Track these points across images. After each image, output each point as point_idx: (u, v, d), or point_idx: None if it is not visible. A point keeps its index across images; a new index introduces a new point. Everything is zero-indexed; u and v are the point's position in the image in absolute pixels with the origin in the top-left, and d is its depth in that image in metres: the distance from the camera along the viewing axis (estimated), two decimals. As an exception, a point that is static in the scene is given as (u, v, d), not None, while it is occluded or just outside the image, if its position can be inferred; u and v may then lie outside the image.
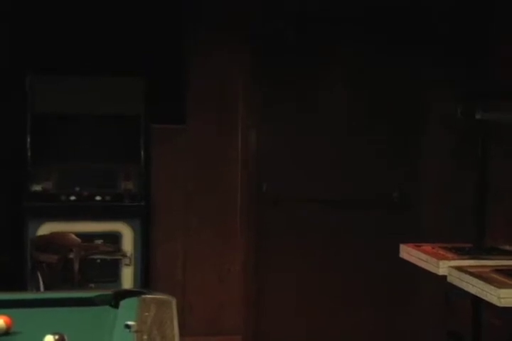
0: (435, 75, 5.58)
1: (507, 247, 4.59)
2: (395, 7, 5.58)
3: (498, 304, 3.55)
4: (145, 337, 2.49)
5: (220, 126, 5.51)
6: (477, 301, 4.23)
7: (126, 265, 5.50)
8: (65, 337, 2.47)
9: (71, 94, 5.51)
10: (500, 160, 4.89)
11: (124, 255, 5.47)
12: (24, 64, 5.46)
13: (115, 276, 5.45)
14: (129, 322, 2.58)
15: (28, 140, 5.48)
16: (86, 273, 4.94)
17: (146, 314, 2.79)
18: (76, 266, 5.06)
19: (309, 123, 5.78)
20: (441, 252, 4.45)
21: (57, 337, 2.46)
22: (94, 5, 5.46)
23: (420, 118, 5.71)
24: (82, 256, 5.10)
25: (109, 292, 3.19)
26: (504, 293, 3.55)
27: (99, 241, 5.41)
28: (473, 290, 3.85)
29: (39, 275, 5.06)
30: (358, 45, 5.71)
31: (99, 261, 5.37)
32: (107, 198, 5.51)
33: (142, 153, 5.55)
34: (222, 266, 5.61)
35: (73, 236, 5.17)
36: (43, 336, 2.49)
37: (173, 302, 3.01)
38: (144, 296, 3.08)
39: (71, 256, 5.08)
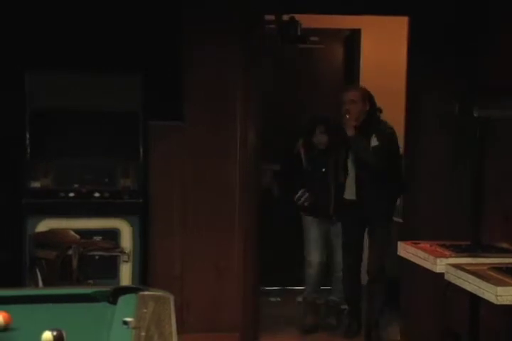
0: (431, 74, 5.58)
1: (504, 245, 4.59)
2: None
3: (496, 302, 3.55)
4: (143, 333, 2.50)
5: (217, 123, 5.50)
6: (474, 299, 4.25)
7: (125, 261, 5.50)
8: (63, 334, 2.49)
9: (70, 90, 5.50)
10: (497, 158, 4.89)
11: (123, 251, 5.47)
12: (23, 61, 5.46)
13: (114, 273, 5.46)
14: (127, 319, 2.60)
15: (27, 136, 5.48)
16: (84, 270, 4.94)
17: (144, 310, 2.80)
18: (75, 263, 5.07)
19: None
20: (439, 250, 4.45)
21: (55, 333, 2.48)
22: (93, 2, 5.46)
23: (416, 117, 5.71)
24: (81, 253, 5.10)
25: (107, 288, 3.21)
26: (501, 290, 3.55)
27: (97, 238, 5.40)
28: (470, 288, 3.85)
29: (37, 271, 5.07)
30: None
31: (97, 257, 5.35)
32: (106, 195, 5.52)
33: (141, 150, 5.56)
34: (219, 263, 5.62)
35: (72, 232, 5.19)
36: (42, 332, 2.50)
37: (171, 298, 3.02)
38: (142, 293, 3.09)
39: (70, 252, 5.09)
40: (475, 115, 4.07)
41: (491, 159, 4.89)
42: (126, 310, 2.78)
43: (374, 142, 5.52)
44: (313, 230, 6.07)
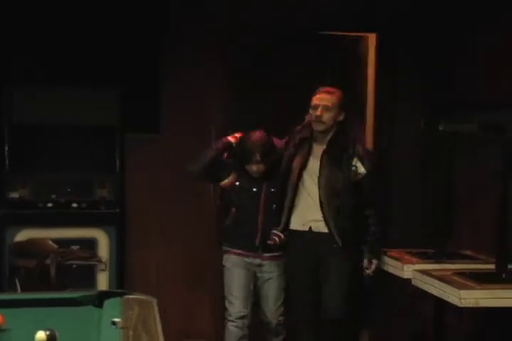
0: (401, 86, 5.77)
1: (468, 252, 4.83)
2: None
3: (459, 304, 3.77)
4: (131, 332, 2.67)
5: (194, 135, 5.61)
6: (439, 303, 4.46)
7: (102, 270, 5.63)
8: (56, 333, 2.64)
9: (48, 104, 5.62)
10: (464, 170, 5.11)
11: (100, 261, 5.60)
12: (1, 74, 5.58)
13: (91, 281, 5.57)
14: (115, 319, 2.76)
15: (6, 149, 5.61)
16: (62, 278, 5.03)
17: (130, 312, 2.97)
18: (53, 272, 5.18)
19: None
20: (407, 257, 4.68)
21: (48, 332, 2.63)
22: (73, 17, 5.57)
23: (387, 129, 5.87)
24: (59, 262, 5.22)
25: (92, 292, 3.36)
26: (464, 293, 3.77)
27: (75, 247, 5.52)
28: (435, 292, 4.07)
29: (16, 280, 5.18)
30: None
31: (75, 266, 5.46)
32: (83, 205, 5.64)
33: (117, 161, 5.71)
34: (194, 273, 5.77)
35: (50, 242, 5.30)
36: (34, 332, 2.65)
37: (154, 301, 3.20)
38: (126, 296, 3.25)
39: (48, 261, 5.21)
40: (440, 129, 4.29)
41: (459, 171, 5.12)
42: (112, 312, 2.94)
43: (360, 168, 4.49)
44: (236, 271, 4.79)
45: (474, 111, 4.05)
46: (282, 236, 4.60)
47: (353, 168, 4.47)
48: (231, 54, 5.75)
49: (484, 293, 3.77)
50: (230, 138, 4.73)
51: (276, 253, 4.73)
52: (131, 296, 3.26)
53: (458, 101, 4.78)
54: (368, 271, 4.59)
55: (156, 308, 3.09)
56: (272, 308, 4.77)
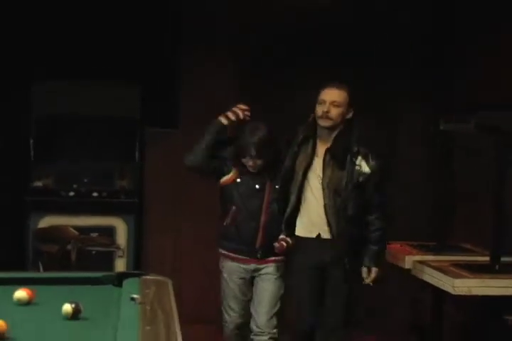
0: (407, 87, 6.00)
1: (467, 245, 5.09)
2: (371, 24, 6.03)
3: (453, 292, 4.05)
4: (148, 307, 2.95)
5: None
6: (437, 293, 4.72)
7: (120, 257, 5.94)
8: (81, 305, 2.93)
9: (72, 98, 5.95)
10: (464, 168, 5.36)
11: (118, 247, 5.91)
12: (29, 70, 5.86)
13: (109, 267, 5.86)
14: (134, 296, 3.04)
15: (31, 140, 5.93)
16: (82, 263, 5.31)
17: (147, 291, 3.24)
18: (73, 257, 5.49)
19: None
20: (408, 249, 4.94)
21: (73, 305, 2.92)
22: (98, 18, 5.88)
23: (392, 130, 6.10)
24: (79, 248, 5.53)
25: (112, 273, 3.65)
26: (458, 282, 4.04)
27: (95, 234, 5.84)
28: (433, 281, 4.34)
29: (40, 263, 5.49)
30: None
31: (94, 252, 5.77)
32: (104, 194, 5.96)
33: (137, 153, 6.01)
34: (208, 260, 6.02)
35: (71, 229, 5.61)
36: (61, 305, 2.94)
37: (170, 282, 3.47)
38: (143, 277, 3.53)
39: (69, 247, 5.52)
40: (441, 128, 4.55)
41: (459, 169, 5.38)
42: (131, 290, 3.21)
43: (364, 168, 4.19)
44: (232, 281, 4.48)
45: (471, 112, 4.30)
46: (290, 241, 4.25)
47: (357, 168, 4.16)
48: (243, 55, 6.00)
49: (477, 281, 4.06)
50: (222, 119, 4.38)
51: (275, 257, 4.38)
52: (148, 277, 3.53)
53: (456, 102, 5.02)
54: (367, 281, 4.21)
55: (171, 288, 3.36)
56: (264, 316, 4.35)
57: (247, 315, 4.42)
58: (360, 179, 4.18)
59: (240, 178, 4.37)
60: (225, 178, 4.41)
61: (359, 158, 4.19)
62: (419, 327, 5.38)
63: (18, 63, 5.88)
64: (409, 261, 4.71)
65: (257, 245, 4.34)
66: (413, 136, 5.93)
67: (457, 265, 4.40)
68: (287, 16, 5.95)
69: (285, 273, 4.40)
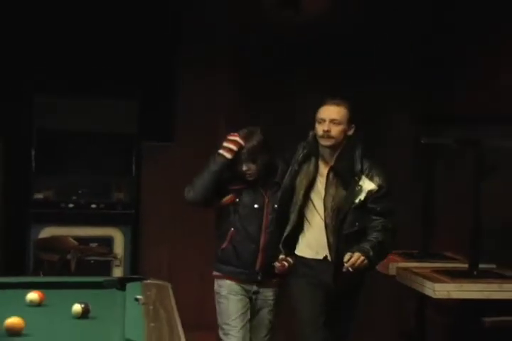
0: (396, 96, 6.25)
1: (448, 254, 5.36)
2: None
3: (433, 296, 4.32)
4: (151, 307, 3.21)
5: (203, 144, 6.04)
6: (420, 298, 4.99)
7: (117, 266, 6.19)
8: (89, 306, 3.18)
9: (72, 113, 6.23)
10: (446, 180, 5.65)
11: (115, 257, 6.17)
12: (31, 84, 6.14)
13: (107, 275, 6.07)
14: (138, 296, 3.30)
15: (33, 153, 6.19)
16: (81, 272, 5.52)
17: (149, 293, 3.50)
18: (73, 265, 5.75)
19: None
20: (392, 257, 5.20)
21: (83, 305, 3.17)
22: (97, 34, 6.16)
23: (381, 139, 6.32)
24: (79, 257, 5.80)
25: (114, 278, 3.92)
26: (438, 286, 4.31)
27: (93, 244, 6.11)
28: (415, 286, 4.61)
29: (40, 272, 5.73)
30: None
31: (93, 261, 6.04)
32: (102, 206, 6.25)
33: (133, 167, 6.28)
34: (203, 269, 6.24)
35: (71, 239, 5.89)
36: (70, 306, 3.19)
37: (169, 286, 3.73)
38: (145, 281, 3.79)
39: (69, 256, 5.77)
40: (422, 142, 4.82)
41: (442, 181, 5.66)
42: (134, 292, 3.46)
43: (368, 185, 4.02)
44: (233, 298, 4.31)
45: (451, 125, 4.58)
46: (291, 261, 4.10)
47: (357, 188, 4.00)
48: (241, 65, 6.25)
49: (455, 286, 4.33)
50: (225, 154, 4.18)
51: (274, 280, 4.27)
52: (149, 281, 3.80)
53: (437, 115, 5.28)
54: (346, 265, 3.86)
55: (171, 291, 3.62)
56: (262, 338, 4.30)
57: (247, 337, 4.24)
58: (363, 197, 4.00)
59: (239, 198, 4.21)
60: (225, 199, 4.23)
61: (362, 176, 4.03)
62: (407, 334, 5.62)
63: (20, 76, 6.16)
64: (393, 268, 4.98)
65: (257, 267, 4.20)
66: (401, 147, 6.17)
67: (438, 271, 4.67)
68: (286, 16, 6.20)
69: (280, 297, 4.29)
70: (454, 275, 4.50)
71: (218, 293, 4.34)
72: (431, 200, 5.42)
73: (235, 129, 4.31)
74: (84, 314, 3.15)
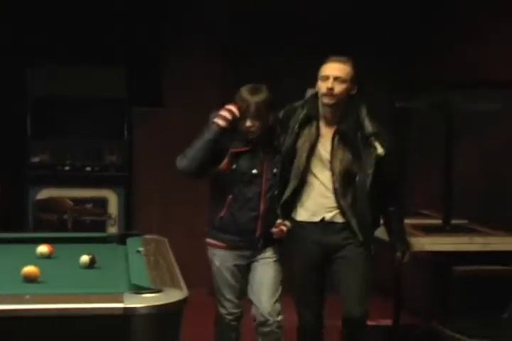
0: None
1: (426, 211, 5.70)
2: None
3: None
4: (152, 258, 3.53)
5: (193, 109, 6.34)
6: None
7: (111, 225, 6.50)
8: (96, 256, 3.50)
9: (65, 80, 6.47)
10: (420, 144, 5.98)
11: (110, 216, 6.49)
12: (25, 55, 6.37)
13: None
14: (139, 248, 3.63)
15: (28, 119, 6.45)
16: (78, 231, 5.81)
17: (149, 246, 3.82)
18: (70, 225, 6.07)
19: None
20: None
21: (90, 256, 3.48)
22: (88, 7, 6.38)
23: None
24: (75, 217, 6.12)
25: (115, 233, 4.24)
26: (413, 240, 4.52)
27: (89, 205, 6.42)
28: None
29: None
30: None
31: (88, 221, 6.36)
32: (96, 169, 6.53)
33: (125, 131, 6.56)
34: (191, 227, 6.57)
35: (67, 200, 6.19)
36: (77, 258, 3.50)
37: (166, 240, 4.05)
38: (144, 236, 4.11)
39: (66, 216, 6.08)
40: (396, 106, 5.11)
41: (417, 143, 5.99)
42: (135, 246, 3.78)
43: (378, 149, 3.84)
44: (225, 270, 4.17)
45: (424, 90, 4.88)
46: (289, 225, 3.99)
47: (371, 150, 3.83)
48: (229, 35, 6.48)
49: (429, 239, 4.67)
50: (220, 122, 3.95)
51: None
52: (148, 236, 4.12)
53: (411, 80, 5.54)
54: (404, 260, 4.05)
55: (168, 245, 3.94)
56: (267, 301, 4.05)
57: (242, 306, 4.16)
58: (375, 161, 3.82)
59: (236, 164, 4.00)
60: (222, 164, 4.02)
61: (372, 138, 3.85)
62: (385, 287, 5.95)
63: (14, 48, 6.36)
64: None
65: (257, 234, 4.04)
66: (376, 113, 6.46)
67: (414, 227, 4.99)
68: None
69: (281, 258, 4.13)
70: (429, 230, 4.85)
71: (212, 261, 4.20)
72: (405, 163, 5.73)
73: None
74: (92, 264, 3.46)
